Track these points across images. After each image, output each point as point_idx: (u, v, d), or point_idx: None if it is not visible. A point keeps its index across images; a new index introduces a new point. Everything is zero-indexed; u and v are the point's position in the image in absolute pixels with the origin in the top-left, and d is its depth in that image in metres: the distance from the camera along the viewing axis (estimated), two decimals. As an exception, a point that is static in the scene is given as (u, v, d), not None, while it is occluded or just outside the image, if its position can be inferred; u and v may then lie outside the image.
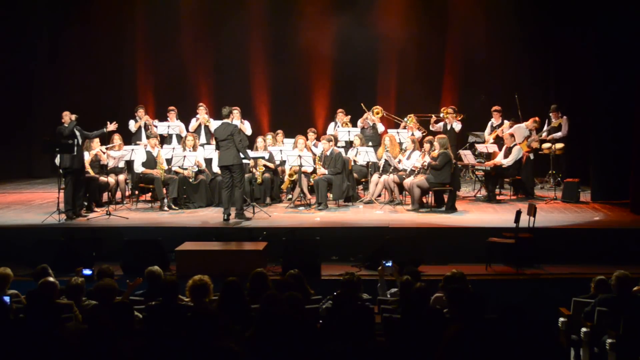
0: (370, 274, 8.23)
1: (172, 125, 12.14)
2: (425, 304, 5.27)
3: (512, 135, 11.41)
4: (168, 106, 12.54)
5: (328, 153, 10.91)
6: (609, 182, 10.97)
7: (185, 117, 12.60)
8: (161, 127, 12.09)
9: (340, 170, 10.71)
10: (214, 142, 10.75)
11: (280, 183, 11.28)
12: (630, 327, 5.33)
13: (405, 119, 12.48)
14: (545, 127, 12.43)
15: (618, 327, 5.41)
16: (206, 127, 12.19)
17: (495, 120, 12.62)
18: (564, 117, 12.33)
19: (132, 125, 12.19)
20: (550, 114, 12.51)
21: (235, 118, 12.09)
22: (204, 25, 15.01)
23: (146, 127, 12.22)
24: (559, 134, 12.31)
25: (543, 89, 14.09)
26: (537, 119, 12.19)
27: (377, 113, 12.47)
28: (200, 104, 12.48)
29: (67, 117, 9.96)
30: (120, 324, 4.55)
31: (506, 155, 11.19)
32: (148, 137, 11.36)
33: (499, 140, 12.03)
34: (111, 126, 10.55)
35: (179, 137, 11.98)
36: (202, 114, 12.14)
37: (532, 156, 11.94)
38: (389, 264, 6.89)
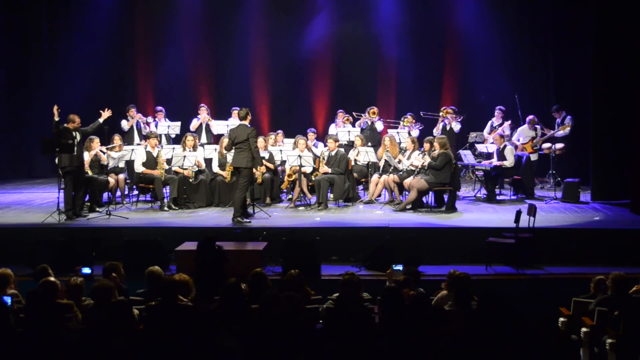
0: (370, 274, 8.24)
1: (172, 125, 12.20)
2: (401, 303, 5.18)
3: (502, 137, 11.42)
4: (169, 106, 12.60)
5: (333, 153, 10.92)
6: (609, 182, 10.95)
7: (186, 117, 12.64)
8: (161, 127, 12.14)
9: (343, 170, 10.74)
10: (214, 142, 10.75)
11: (280, 183, 11.28)
12: (630, 327, 5.33)
13: (401, 121, 12.50)
14: (554, 130, 12.37)
15: (618, 327, 5.41)
16: (207, 127, 12.24)
17: (495, 120, 12.63)
18: (569, 116, 12.31)
19: (125, 125, 12.21)
20: (554, 114, 12.51)
21: (234, 117, 12.14)
22: (204, 25, 15.02)
23: (138, 125, 12.25)
24: (560, 133, 12.30)
25: (543, 89, 14.09)
26: (534, 118, 12.19)
27: (374, 113, 12.48)
28: (202, 104, 12.51)
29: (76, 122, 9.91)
30: (117, 323, 4.55)
31: (500, 157, 11.18)
32: (147, 137, 11.36)
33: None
34: (105, 113, 10.32)
35: (168, 137, 12.16)
36: (204, 114, 12.17)
37: (533, 157, 11.94)
38: (399, 267, 6.86)
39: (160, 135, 12.11)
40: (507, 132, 12.48)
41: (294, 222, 9.62)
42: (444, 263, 8.19)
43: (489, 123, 12.75)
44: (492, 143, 11.88)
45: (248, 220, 9.55)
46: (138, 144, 11.78)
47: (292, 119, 14.25)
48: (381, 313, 5.17)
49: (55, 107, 9.73)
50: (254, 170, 10.79)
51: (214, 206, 10.81)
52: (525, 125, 12.25)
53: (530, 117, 12.24)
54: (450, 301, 5.67)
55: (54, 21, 14.99)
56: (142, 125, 12.32)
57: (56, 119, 9.65)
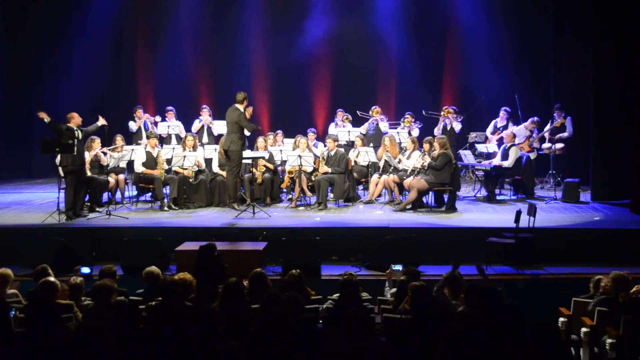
0: (370, 274, 8.24)
1: (172, 125, 12.19)
2: (431, 300, 5.21)
3: (514, 136, 11.43)
4: (168, 106, 12.59)
5: (333, 152, 10.93)
6: (609, 182, 10.96)
7: (186, 117, 12.63)
8: (161, 127, 12.13)
9: (343, 170, 10.75)
10: (215, 142, 10.76)
11: (281, 183, 11.29)
12: (630, 327, 5.33)
13: (402, 122, 12.51)
14: (548, 127, 12.40)
15: (618, 327, 5.41)
16: (209, 128, 12.24)
17: (500, 121, 12.59)
18: (568, 117, 12.33)
19: (133, 126, 12.25)
20: (554, 113, 12.52)
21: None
22: (204, 25, 15.03)
23: (145, 126, 12.26)
24: (565, 135, 12.30)
25: (543, 89, 14.10)
26: (536, 119, 12.21)
27: (377, 112, 12.50)
28: (204, 105, 12.51)
29: (75, 119, 9.89)
30: (123, 324, 4.55)
31: (504, 156, 11.19)
32: (148, 137, 11.36)
33: (501, 142, 12.03)
34: (102, 121, 10.24)
35: (178, 137, 12.04)
36: (206, 115, 12.16)
37: (532, 156, 11.94)
38: (399, 267, 6.84)
39: (170, 135, 12.10)
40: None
41: (294, 222, 9.62)
42: (444, 263, 8.18)
43: (493, 123, 12.71)
44: (502, 139, 11.81)
45: (244, 208, 9.55)
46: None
47: (292, 119, 14.26)
48: (413, 312, 5.13)
49: (43, 114, 9.72)
50: (254, 170, 10.82)
51: (214, 206, 10.80)
52: (522, 125, 12.23)
53: (531, 119, 12.24)
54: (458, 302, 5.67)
55: (54, 21, 14.99)
56: (149, 125, 12.32)
57: (46, 120, 9.63)
